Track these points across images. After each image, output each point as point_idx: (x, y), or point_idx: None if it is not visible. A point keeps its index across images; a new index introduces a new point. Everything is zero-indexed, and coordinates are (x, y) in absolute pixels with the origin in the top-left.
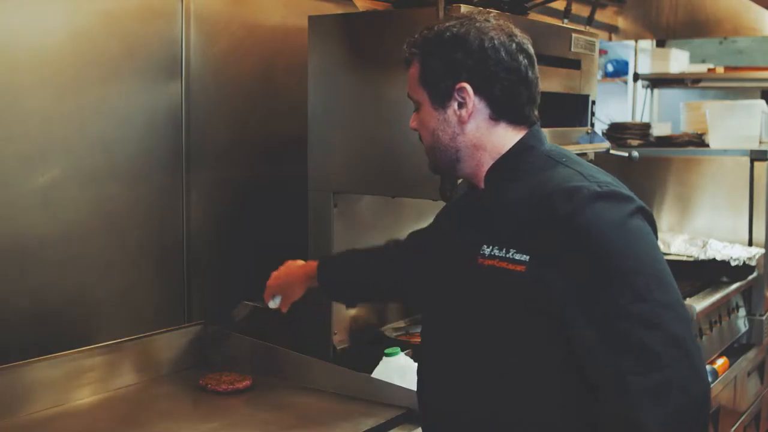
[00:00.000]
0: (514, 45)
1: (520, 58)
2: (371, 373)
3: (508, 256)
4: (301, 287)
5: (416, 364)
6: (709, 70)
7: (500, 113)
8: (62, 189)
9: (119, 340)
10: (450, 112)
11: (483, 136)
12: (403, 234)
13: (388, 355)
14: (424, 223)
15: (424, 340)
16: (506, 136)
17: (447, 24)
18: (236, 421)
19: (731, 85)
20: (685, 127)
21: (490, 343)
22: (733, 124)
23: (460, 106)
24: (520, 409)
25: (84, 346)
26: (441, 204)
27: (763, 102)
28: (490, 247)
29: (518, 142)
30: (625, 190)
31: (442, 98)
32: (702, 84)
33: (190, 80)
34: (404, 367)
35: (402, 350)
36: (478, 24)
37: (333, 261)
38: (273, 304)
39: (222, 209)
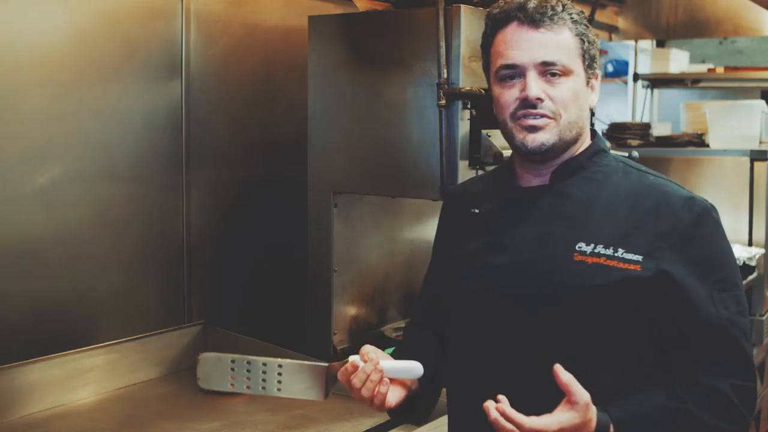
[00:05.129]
0: None
1: None
2: None
3: (617, 255)
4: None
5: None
6: (709, 70)
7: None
8: (62, 189)
9: (119, 340)
10: (589, 88)
11: (587, 124)
12: (402, 233)
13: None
14: (424, 223)
15: (488, 340)
16: (589, 132)
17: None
18: (236, 421)
19: (731, 85)
20: (685, 127)
21: (588, 337)
22: (733, 124)
23: (593, 86)
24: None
25: (84, 346)
26: (441, 204)
27: (763, 102)
28: (591, 245)
29: (593, 143)
30: None
31: (589, 73)
32: (702, 84)
33: (190, 80)
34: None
35: None
36: None
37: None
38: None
39: (222, 209)
